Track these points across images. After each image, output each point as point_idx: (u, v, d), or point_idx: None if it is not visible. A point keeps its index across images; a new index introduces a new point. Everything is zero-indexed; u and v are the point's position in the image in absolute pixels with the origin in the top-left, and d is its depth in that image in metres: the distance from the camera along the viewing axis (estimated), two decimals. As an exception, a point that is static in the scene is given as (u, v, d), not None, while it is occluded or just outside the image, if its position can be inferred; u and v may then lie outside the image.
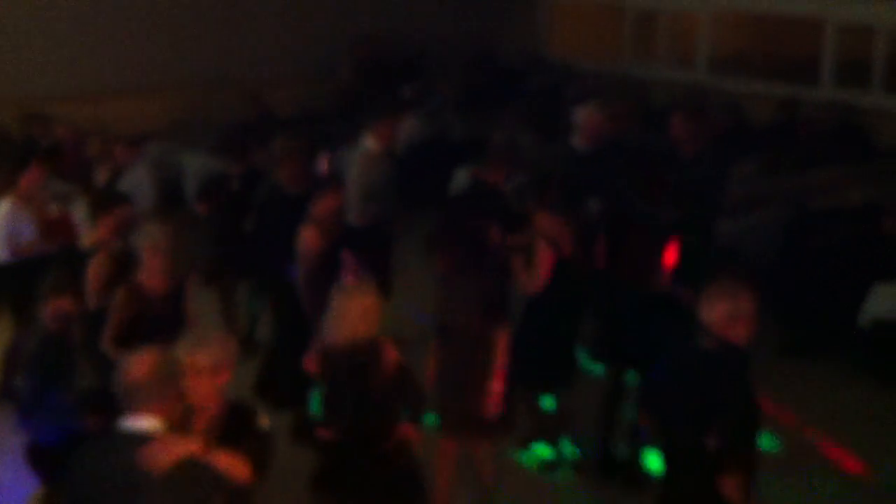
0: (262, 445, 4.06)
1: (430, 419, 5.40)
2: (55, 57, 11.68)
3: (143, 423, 3.58)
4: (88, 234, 6.61)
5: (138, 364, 3.62)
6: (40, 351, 4.95)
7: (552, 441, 6.33)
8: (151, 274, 5.42)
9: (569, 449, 6.38)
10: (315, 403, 4.98)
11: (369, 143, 7.67)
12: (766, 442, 6.18)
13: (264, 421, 3.95)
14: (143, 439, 3.53)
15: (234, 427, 4.01)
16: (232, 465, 3.69)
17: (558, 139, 9.30)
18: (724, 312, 4.15)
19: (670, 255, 5.94)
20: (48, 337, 5.04)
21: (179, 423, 3.72)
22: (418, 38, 13.63)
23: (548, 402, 6.22)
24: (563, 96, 12.78)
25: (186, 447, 3.57)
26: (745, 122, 10.87)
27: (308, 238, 6.30)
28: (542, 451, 6.38)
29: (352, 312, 4.72)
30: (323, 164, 8.92)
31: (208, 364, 4.00)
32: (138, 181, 8.56)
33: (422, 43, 13.57)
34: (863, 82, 11.12)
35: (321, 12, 13.22)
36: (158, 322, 5.23)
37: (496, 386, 5.38)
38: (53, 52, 11.68)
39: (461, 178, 10.55)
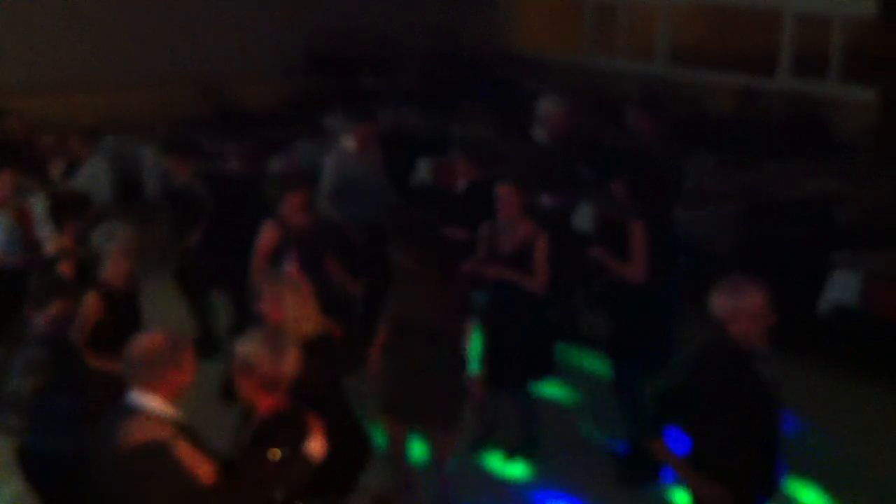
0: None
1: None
2: (12, 51, 11.54)
3: (142, 398, 3.68)
4: (50, 236, 6.48)
5: (144, 340, 3.77)
6: (43, 356, 4.80)
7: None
8: (117, 276, 5.45)
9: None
10: None
11: (349, 143, 7.65)
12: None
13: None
14: (131, 413, 3.65)
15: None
16: (195, 462, 3.65)
17: (520, 132, 9.32)
18: (723, 308, 4.19)
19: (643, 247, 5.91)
20: (49, 341, 4.88)
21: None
22: (380, 31, 13.59)
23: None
24: (524, 88, 12.83)
25: (158, 430, 3.61)
26: (703, 114, 10.98)
27: (265, 233, 6.36)
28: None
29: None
30: (292, 159, 8.89)
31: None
32: (94, 174, 8.49)
33: (383, 35, 13.53)
34: (820, 73, 11.23)
35: (282, 6, 13.14)
36: (122, 323, 5.23)
37: (456, 380, 5.51)
38: (10, 45, 11.52)
39: (423, 170, 10.57)
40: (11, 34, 11.59)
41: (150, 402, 3.69)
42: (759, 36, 12.58)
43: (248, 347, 3.94)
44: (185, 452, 3.64)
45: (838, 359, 7.36)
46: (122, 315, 5.37)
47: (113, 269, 5.44)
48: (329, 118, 11.17)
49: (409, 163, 10.42)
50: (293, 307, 4.71)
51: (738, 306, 4.16)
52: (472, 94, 12.44)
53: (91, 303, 5.29)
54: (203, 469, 3.69)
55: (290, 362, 3.94)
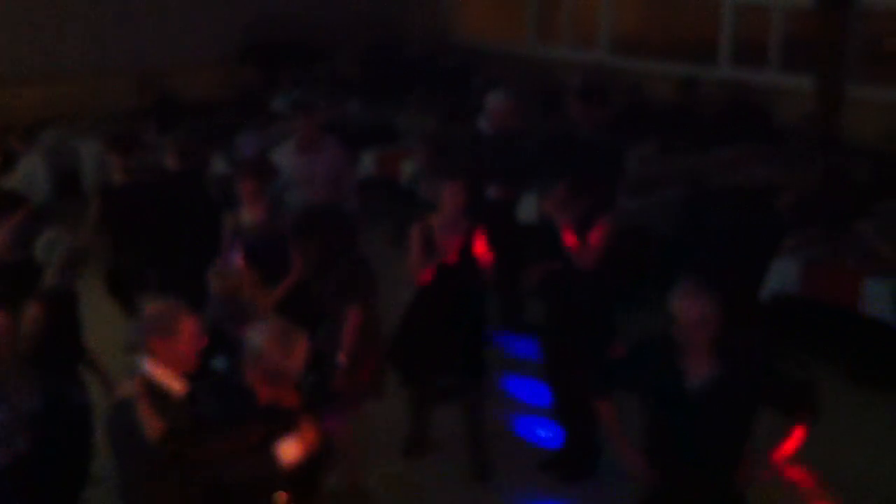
0: None
1: None
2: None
3: (143, 363, 3.87)
4: None
5: (146, 308, 3.99)
6: None
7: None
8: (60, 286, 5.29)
9: None
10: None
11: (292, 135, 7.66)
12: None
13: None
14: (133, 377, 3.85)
15: None
16: (150, 420, 3.74)
17: (464, 122, 9.34)
18: (675, 311, 4.22)
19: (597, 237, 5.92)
20: None
21: None
22: (321, 22, 13.51)
23: None
24: (467, 79, 12.86)
25: (124, 389, 3.82)
26: (644, 102, 11.09)
27: (225, 226, 6.42)
28: None
29: None
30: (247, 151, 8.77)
31: None
32: (32, 171, 8.35)
33: (325, 26, 13.46)
34: (760, 61, 11.40)
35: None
36: (64, 332, 5.20)
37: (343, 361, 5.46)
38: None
39: (367, 162, 10.54)
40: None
41: (150, 367, 3.84)
42: (700, 25, 12.73)
43: (257, 338, 3.98)
44: (145, 412, 3.73)
45: (782, 346, 7.44)
46: (61, 323, 5.26)
47: (56, 280, 5.27)
48: (276, 107, 11.11)
49: (353, 154, 10.37)
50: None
51: (679, 312, 4.20)
52: (415, 84, 12.42)
53: (35, 316, 5.10)
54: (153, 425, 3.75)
55: (297, 357, 3.99)
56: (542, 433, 6.69)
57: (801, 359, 7.19)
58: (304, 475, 4.03)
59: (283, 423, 3.91)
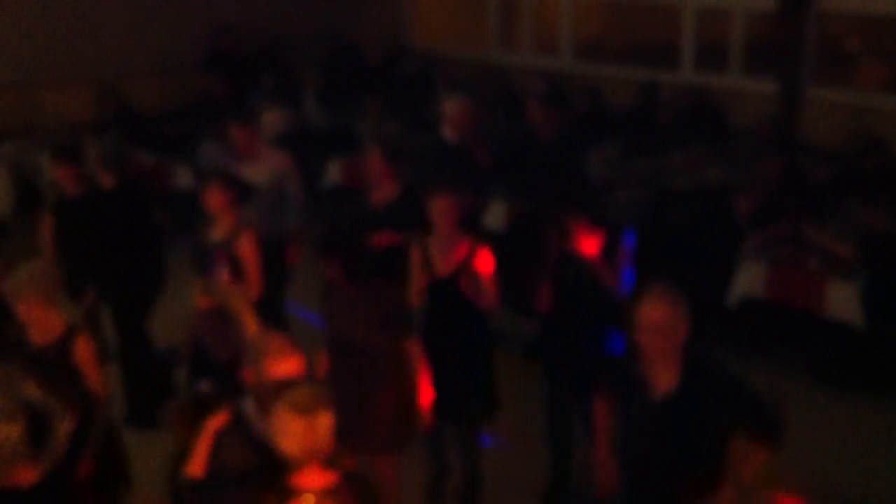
0: None
1: None
2: None
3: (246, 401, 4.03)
4: None
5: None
6: None
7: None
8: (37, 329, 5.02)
9: None
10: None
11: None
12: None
13: None
14: None
15: None
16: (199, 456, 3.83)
17: (424, 129, 9.38)
18: (637, 316, 4.09)
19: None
20: None
21: None
22: (280, 29, 13.50)
23: None
24: (427, 85, 12.89)
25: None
26: (604, 107, 11.20)
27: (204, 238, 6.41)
28: None
29: None
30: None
31: None
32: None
33: (284, 33, 13.44)
34: (721, 65, 11.52)
35: (180, 3, 12.94)
36: None
37: (401, 400, 5.36)
38: None
39: (332, 170, 10.54)
40: None
41: (250, 407, 3.92)
42: (662, 30, 12.85)
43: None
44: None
45: (748, 349, 7.52)
46: None
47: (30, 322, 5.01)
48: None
49: (316, 161, 10.38)
50: None
51: (640, 317, 4.07)
52: (375, 90, 12.43)
53: None
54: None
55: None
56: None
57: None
58: None
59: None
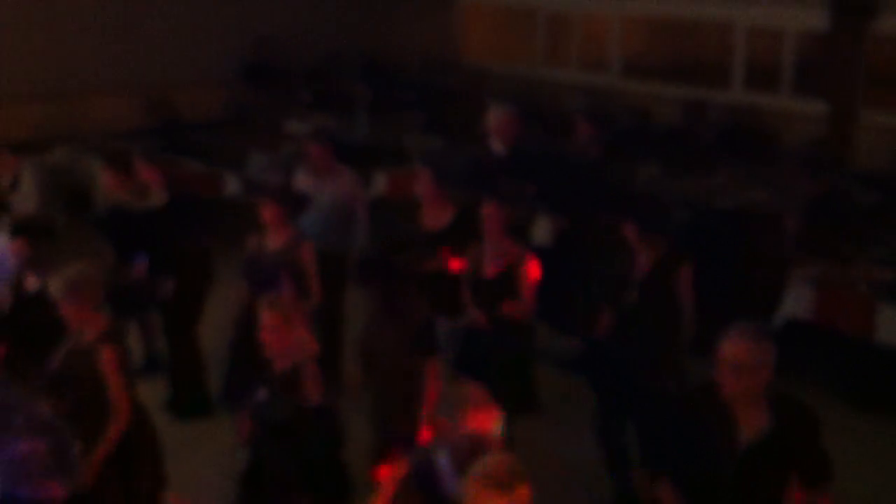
0: None
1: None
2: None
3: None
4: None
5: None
6: None
7: None
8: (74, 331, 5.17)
9: None
10: None
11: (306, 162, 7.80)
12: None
13: None
14: None
15: None
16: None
17: (469, 143, 9.42)
18: (722, 353, 3.95)
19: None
20: None
21: None
22: (326, 42, 13.61)
23: None
24: (473, 100, 12.95)
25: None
26: (649, 125, 11.18)
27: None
28: None
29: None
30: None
31: None
32: (28, 190, 8.41)
33: (329, 47, 13.56)
34: (772, 85, 11.47)
35: (229, 14, 13.17)
36: None
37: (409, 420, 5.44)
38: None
39: (378, 182, 10.60)
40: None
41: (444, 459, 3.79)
42: (712, 48, 12.81)
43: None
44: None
45: (794, 373, 7.43)
46: None
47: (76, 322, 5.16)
48: (290, 128, 11.17)
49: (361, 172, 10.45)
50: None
51: (723, 354, 3.93)
52: (421, 105, 12.51)
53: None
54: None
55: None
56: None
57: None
58: None
59: None
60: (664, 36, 14.25)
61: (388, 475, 3.86)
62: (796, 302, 7.69)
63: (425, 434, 5.29)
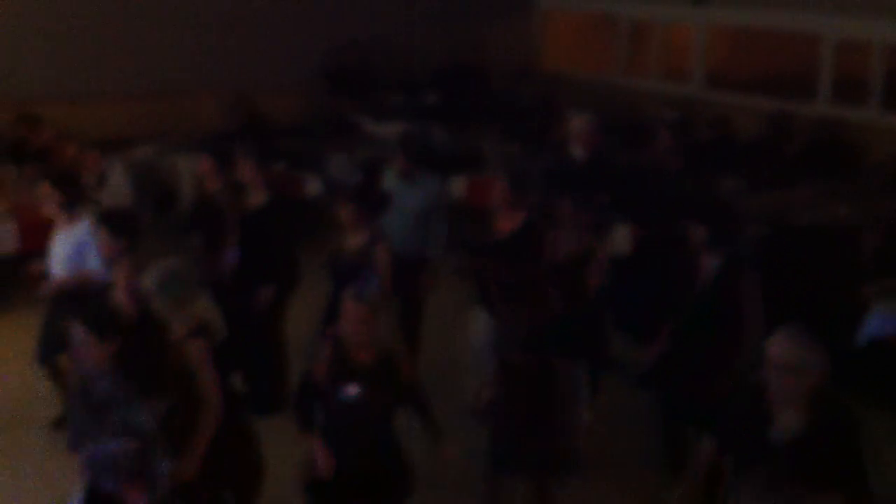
0: None
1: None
2: (51, 59, 12.05)
3: None
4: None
5: None
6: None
7: None
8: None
9: None
10: None
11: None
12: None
13: None
14: None
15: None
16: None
17: (547, 151, 9.43)
18: (769, 353, 4.06)
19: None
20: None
21: None
22: (409, 48, 13.74)
23: None
24: (551, 107, 12.94)
25: None
26: (731, 136, 11.04)
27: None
28: None
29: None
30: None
31: None
32: (117, 186, 8.62)
33: (412, 53, 13.66)
34: (859, 99, 11.26)
35: (312, 20, 13.40)
36: None
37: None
38: (49, 54, 12.01)
39: (456, 188, 10.67)
40: (44, 43, 11.77)
41: None
42: (795, 59, 12.63)
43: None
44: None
45: (874, 394, 7.30)
46: None
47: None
48: (375, 131, 11.27)
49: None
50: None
51: (769, 356, 4.04)
52: (499, 111, 12.52)
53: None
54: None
55: None
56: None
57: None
58: None
59: None
60: (748, 46, 14.10)
61: None
62: (881, 320, 7.55)
63: None
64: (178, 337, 5.12)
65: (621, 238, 8.63)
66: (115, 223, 6.26)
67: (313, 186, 10.39)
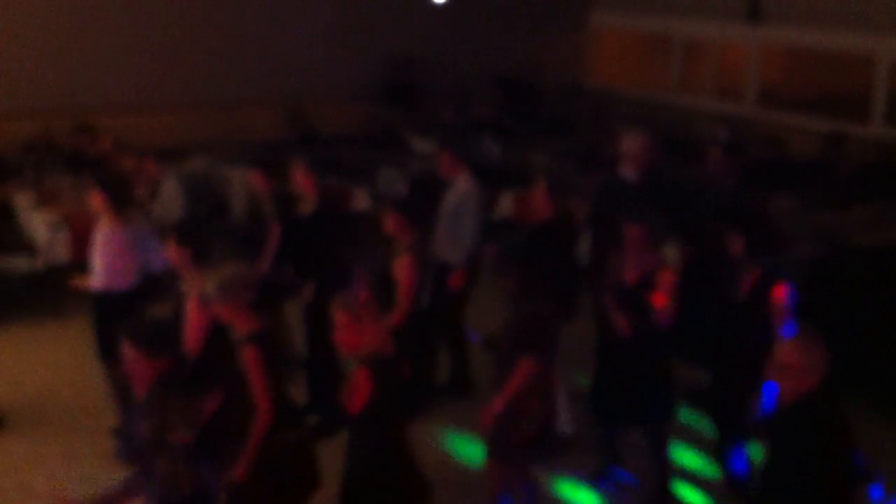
0: None
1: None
2: (107, 70, 12.17)
3: None
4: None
5: None
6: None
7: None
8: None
9: None
10: None
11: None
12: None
13: None
14: None
15: None
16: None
17: (597, 167, 9.37)
18: (775, 356, 4.27)
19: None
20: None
21: None
22: (461, 63, 13.78)
23: None
24: (602, 124, 12.91)
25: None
26: (785, 156, 10.94)
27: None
28: None
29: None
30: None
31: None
32: (170, 197, 8.69)
33: (465, 67, 13.71)
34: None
35: (368, 35, 13.49)
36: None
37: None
38: (106, 65, 12.11)
39: (505, 202, 10.65)
40: (101, 54, 11.97)
41: None
42: (849, 80, 12.48)
43: None
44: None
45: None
46: None
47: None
48: (416, 145, 11.29)
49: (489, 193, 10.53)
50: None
51: (779, 357, 4.23)
52: (550, 127, 12.52)
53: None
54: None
55: None
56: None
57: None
58: None
59: None
60: (802, 66, 13.96)
61: None
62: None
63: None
64: (236, 339, 5.17)
65: (671, 258, 8.56)
66: (184, 231, 6.31)
67: (362, 199, 10.42)
